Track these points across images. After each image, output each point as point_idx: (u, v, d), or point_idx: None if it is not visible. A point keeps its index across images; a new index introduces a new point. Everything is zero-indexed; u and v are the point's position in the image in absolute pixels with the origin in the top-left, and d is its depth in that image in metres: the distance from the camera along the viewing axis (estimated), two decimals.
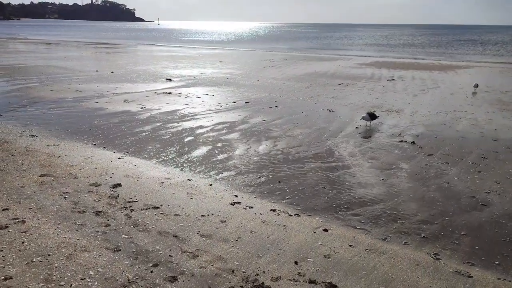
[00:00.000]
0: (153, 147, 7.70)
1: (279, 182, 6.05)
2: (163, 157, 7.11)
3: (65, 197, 5.10)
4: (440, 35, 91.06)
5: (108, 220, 4.56)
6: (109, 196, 5.23)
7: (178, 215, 4.78)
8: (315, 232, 4.48)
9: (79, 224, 4.39)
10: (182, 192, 5.52)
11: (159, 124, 9.50)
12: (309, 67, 23.04)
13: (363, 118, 9.53)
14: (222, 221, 4.66)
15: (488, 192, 5.72)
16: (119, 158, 6.92)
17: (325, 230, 4.54)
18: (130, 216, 4.67)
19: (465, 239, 4.43)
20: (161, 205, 5.02)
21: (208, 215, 4.83)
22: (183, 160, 7.00)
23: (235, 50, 40.33)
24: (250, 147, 7.82)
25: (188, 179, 6.05)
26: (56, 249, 3.87)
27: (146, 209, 4.90)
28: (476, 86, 15.22)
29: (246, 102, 12.43)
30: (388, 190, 5.80)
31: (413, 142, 8.21)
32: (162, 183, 5.84)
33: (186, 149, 7.63)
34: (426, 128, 9.47)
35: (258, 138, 8.49)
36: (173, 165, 6.73)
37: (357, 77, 18.71)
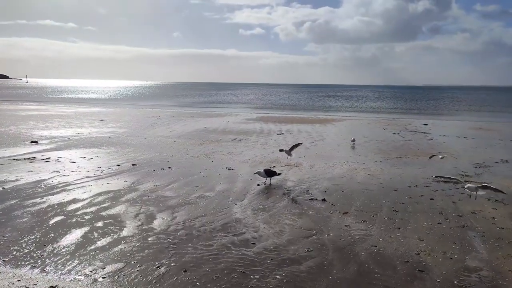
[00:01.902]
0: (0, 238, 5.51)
1: (185, 271, 4.63)
2: (14, 253, 5.04)
3: None
4: (311, 92, 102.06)
5: None
6: None
7: None
8: None
9: None
10: None
11: (13, 201, 7.19)
12: (198, 123, 22.28)
13: (258, 173, 8.85)
14: None
15: (418, 254, 5.22)
16: None
17: None
18: None
19: None
20: None
21: None
22: (45, 254, 5.04)
23: (118, 108, 37.66)
24: (142, 224, 6.23)
25: (52, 286, 4.19)
26: None
27: None
28: (354, 140, 15.54)
29: (133, 165, 10.72)
30: (318, 264, 4.87)
31: (324, 200, 7.66)
32: None
33: (52, 235, 5.65)
34: (330, 182, 9.16)
35: (151, 209, 6.93)
36: (29, 263, 4.75)
37: (248, 132, 18.52)
